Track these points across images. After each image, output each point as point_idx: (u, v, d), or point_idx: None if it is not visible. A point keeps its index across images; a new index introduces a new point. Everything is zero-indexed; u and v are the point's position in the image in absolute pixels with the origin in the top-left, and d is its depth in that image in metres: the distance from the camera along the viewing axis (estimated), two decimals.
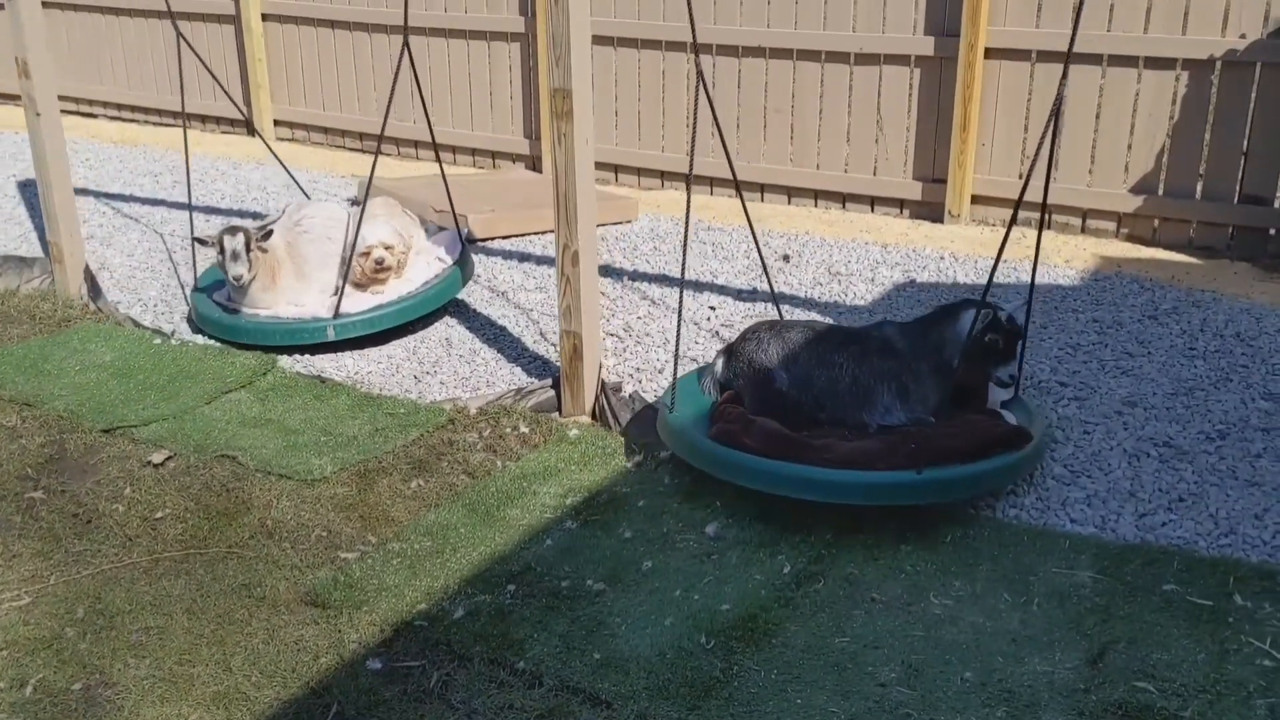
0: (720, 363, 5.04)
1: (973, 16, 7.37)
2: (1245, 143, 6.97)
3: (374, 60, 9.92)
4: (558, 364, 5.64)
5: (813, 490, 4.38)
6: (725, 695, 3.63)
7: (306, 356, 6.17)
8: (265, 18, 10.41)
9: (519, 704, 3.62)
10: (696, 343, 6.05)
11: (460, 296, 6.73)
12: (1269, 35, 6.76)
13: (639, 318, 6.40)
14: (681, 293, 5.14)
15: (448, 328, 6.45)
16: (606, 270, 7.01)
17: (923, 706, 3.56)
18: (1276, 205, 6.95)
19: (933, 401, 4.74)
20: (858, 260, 7.12)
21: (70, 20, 11.63)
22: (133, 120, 11.47)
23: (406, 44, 6.13)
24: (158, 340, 6.39)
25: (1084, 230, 7.51)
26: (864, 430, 4.71)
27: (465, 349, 6.20)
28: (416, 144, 9.91)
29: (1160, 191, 7.24)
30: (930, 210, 7.91)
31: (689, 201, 5.02)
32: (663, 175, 8.85)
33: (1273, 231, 6.98)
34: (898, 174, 8.02)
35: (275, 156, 7.43)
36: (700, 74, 5.01)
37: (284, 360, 6.12)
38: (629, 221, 7.99)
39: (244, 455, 5.15)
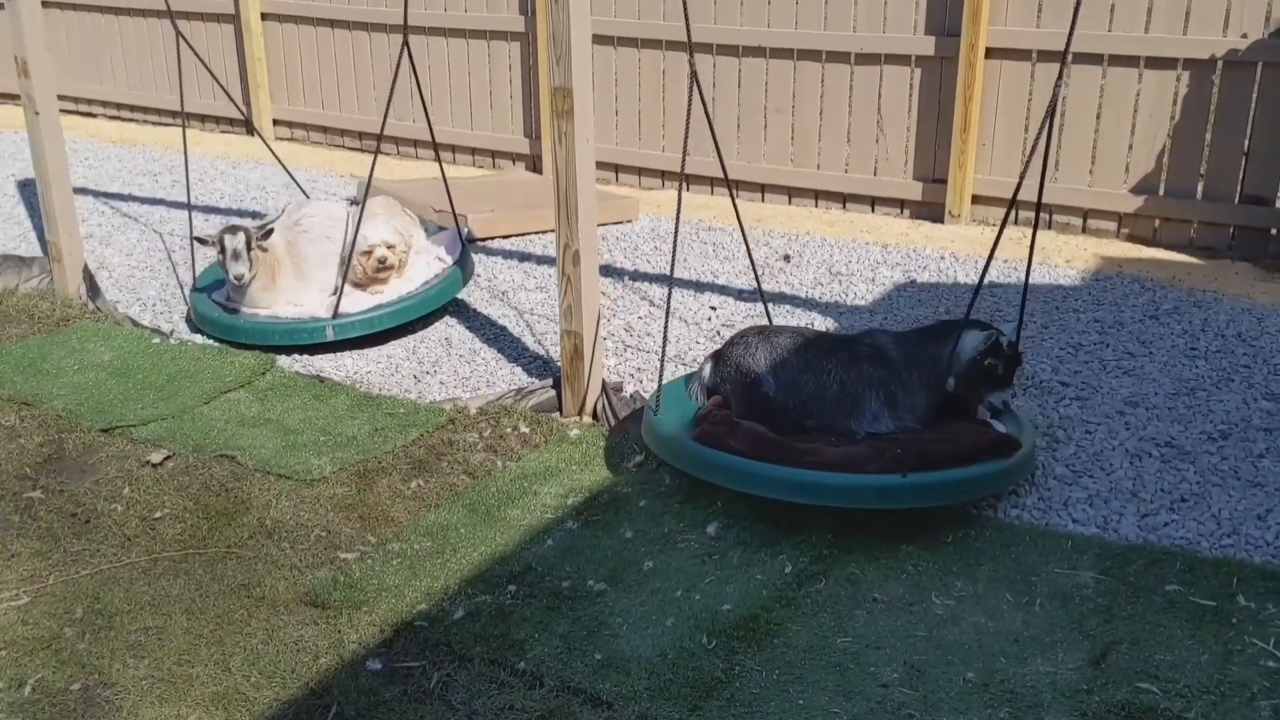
0: (708, 368, 4.97)
1: (973, 16, 7.36)
2: (1246, 143, 6.96)
3: (373, 60, 9.90)
4: (558, 364, 5.62)
5: (796, 492, 4.32)
6: (727, 696, 3.62)
7: (305, 356, 6.16)
8: (265, 17, 10.39)
9: (520, 705, 3.61)
10: (697, 343, 6.04)
11: (460, 296, 6.71)
12: (1270, 35, 6.75)
13: (640, 318, 6.38)
14: (670, 292, 5.08)
15: (447, 327, 6.44)
16: (607, 270, 7.00)
17: (925, 707, 3.54)
18: (1277, 205, 6.93)
19: (921, 411, 4.68)
20: (858, 260, 7.10)
21: (70, 19, 11.61)
22: (132, 120, 11.45)
23: (406, 44, 6.12)
24: (156, 340, 6.38)
25: (1085, 230, 7.50)
26: (851, 438, 4.64)
27: (465, 349, 6.18)
28: (416, 143, 9.89)
29: (1161, 192, 7.23)
30: (931, 210, 7.89)
31: (680, 200, 4.99)
32: (663, 175, 8.84)
33: (1274, 231, 6.97)
34: (898, 174, 8.01)
35: (275, 155, 7.42)
36: (694, 73, 4.98)
37: (283, 360, 6.11)
38: (629, 221, 7.97)
39: (243, 455, 5.14)
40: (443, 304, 6.48)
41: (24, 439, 5.34)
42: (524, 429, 5.33)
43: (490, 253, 7.44)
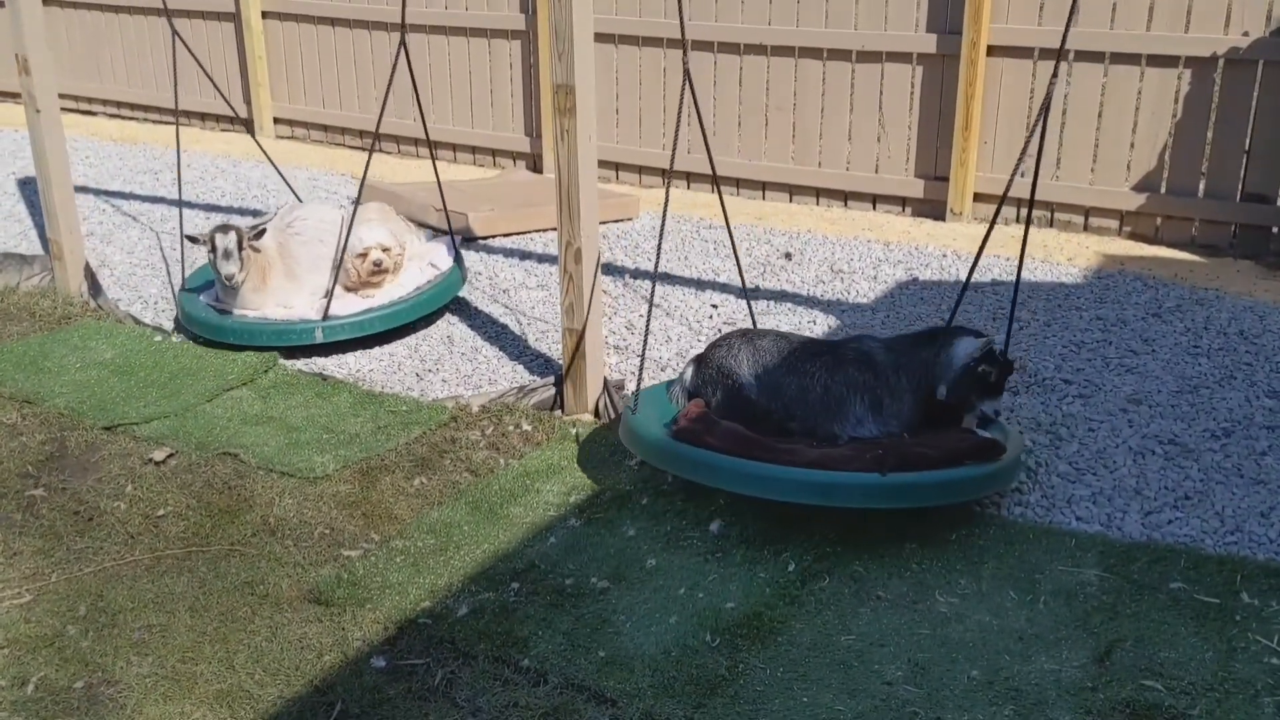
0: (689, 371, 4.89)
1: (975, 14, 7.36)
2: (1248, 141, 6.95)
3: (374, 57, 9.89)
4: (560, 362, 5.62)
5: (773, 489, 4.24)
6: (731, 693, 3.62)
7: (308, 354, 6.15)
8: (265, 15, 10.38)
9: (523, 702, 3.61)
10: (698, 341, 6.03)
11: (462, 294, 6.71)
12: (1271, 33, 6.74)
13: (641, 315, 6.38)
14: (653, 290, 5.05)
15: (449, 325, 6.43)
16: (608, 268, 6.99)
17: (929, 705, 3.54)
18: (1279, 203, 6.93)
19: (907, 417, 4.62)
20: (860, 258, 7.10)
21: (70, 18, 11.60)
22: (132, 118, 11.43)
23: (404, 43, 6.10)
24: (158, 337, 6.38)
25: (1086, 228, 7.49)
26: (834, 442, 4.58)
27: (467, 346, 6.18)
28: (417, 142, 9.88)
29: (1163, 190, 7.23)
30: (933, 208, 7.89)
31: (667, 197, 5.01)
32: (664, 173, 8.83)
33: (1275, 230, 6.96)
34: (900, 172, 8.00)
35: (267, 157, 7.37)
36: (687, 72, 4.96)
37: (285, 358, 6.10)
38: (630, 219, 7.97)
39: (246, 453, 5.14)
40: (433, 310, 6.42)
41: (26, 437, 5.34)
42: (526, 427, 5.33)
43: (491, 251, 7.44)
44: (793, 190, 8.41)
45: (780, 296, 6.57)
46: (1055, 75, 4.28)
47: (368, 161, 6.37)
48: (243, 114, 10.76)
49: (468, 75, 9.47)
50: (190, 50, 6.86)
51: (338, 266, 6.28)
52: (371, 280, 6.33)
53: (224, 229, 6.06)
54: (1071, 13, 4.33)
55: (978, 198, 7.71)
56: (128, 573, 4.32)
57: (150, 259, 7.46)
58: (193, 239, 6.26)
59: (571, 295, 5.29)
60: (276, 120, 10.67)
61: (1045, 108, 4.24)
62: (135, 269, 7.33)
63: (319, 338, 6.07)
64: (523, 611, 4.03)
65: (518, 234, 7.74)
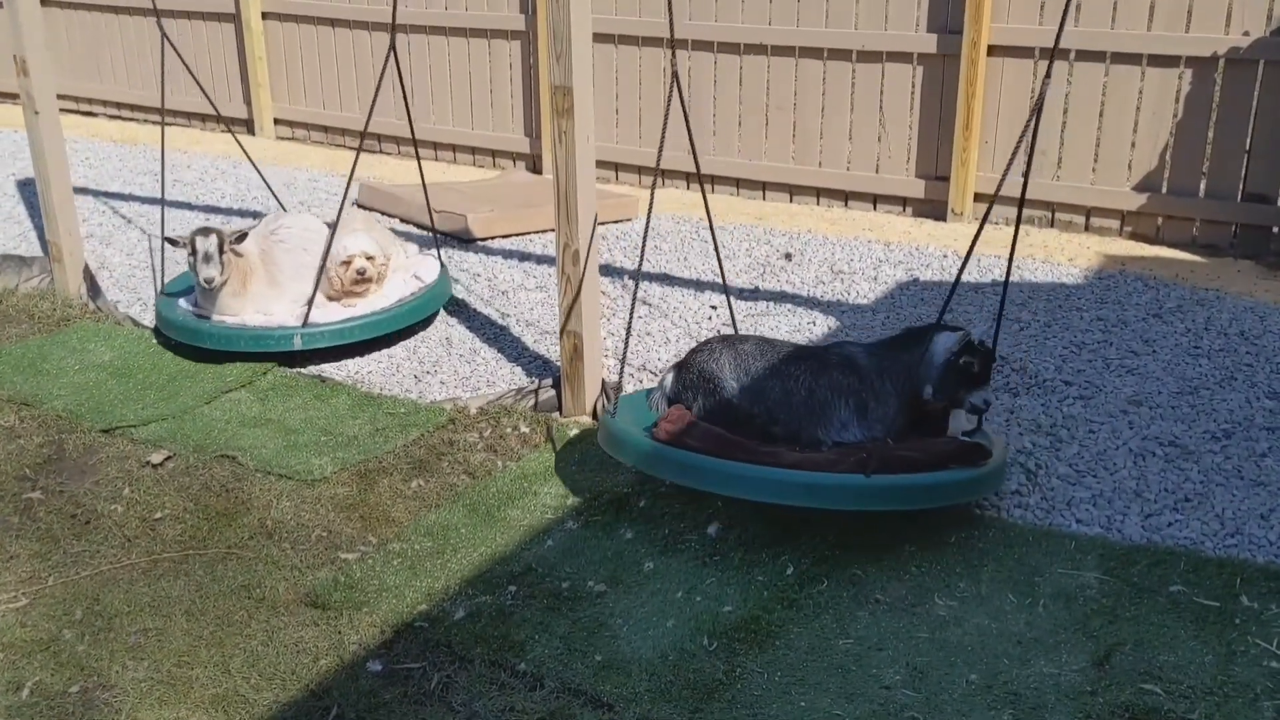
0: (670, 377, 4.78)
1: (975, 14, 7.34)
2: (1248, 140, 6.93)
3: (374, 58, 9.87)
4: (558, 363, 5.60)
5: (754, 489, 4.18)
6: (728, 698, 3.60)
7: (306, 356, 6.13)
8: (265, 16, 10.37)
9: (520, 706, 3.59)
10: (696, 342, 6.00)
11: (460, 296, 6.70)
12: (1272, 33, 6.72)
13: (639, 317, 6.36)
14: (635, 294, 5.03)
15: (448, 327, 6.42)
16: (607, 269, 6.98)
17: (927, 709, 3.53)
18: (1279, 203, 6.93)
19: (892, 421, 4.56)
20: (860, 259, 7.08)
21: (70, 19, 11.60)
22: (133, 119, 11.42)
23: (393, 46, 6.02)
24: (157, 339, 6.36)
25: (1088, 228, 7.48)
26: (817, 447, 4.51)
27: (465, 348, 6.16)
28: (417, 143, 9.85)
29: (1164, 190, 7.21)
30: (933, 208, 7.87)
31: (652, 198, 4.97)
32: (664, 174, 8.81)
33: (1276, 230, 6.94)
34: (900, 172, 7.99)
35: (249, 158, 7.23)
36: (675, 74, 4.93)
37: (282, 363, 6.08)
38: (629, 220, 7.95)
39: (244, 455, 5.13)
40: (417, 320, 6.30)
41: (24, 439, 5.33)
42: (524, 429, 5.31)
43: (490, 252, 7.43)
44: (793, 190, 8.39)
45: (780, 297, 6.55)
46: (1049, 75, 4.24)
47: (355, 161, 6.25)
48: (243, 115, 10.75)
49: (468, 76, 9.46)
50: (177, 50, 6.78)
51: (319, 272, 6.14)
52: (355, 289, 6.21)
53: (204, 232, 5.94)
54: (1065, 14, 4.28)
55: (979, 198, 7.70)
56: (124, 576, 4.31)
57: (150, 260, 7.44)
58: (172, 241, 6.12)
59: (569, 297, 5.28)
60: (277, 121, 10.66)
61: (1038, 108, 4.21)
62: (134, 271, 7.32)
63: (298, 344, 5.93)
64: (519, 615, 4.02)
65: (517, 235, 7.73)
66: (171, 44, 6.73)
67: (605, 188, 8.55)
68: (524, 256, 7.36)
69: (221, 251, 5.93)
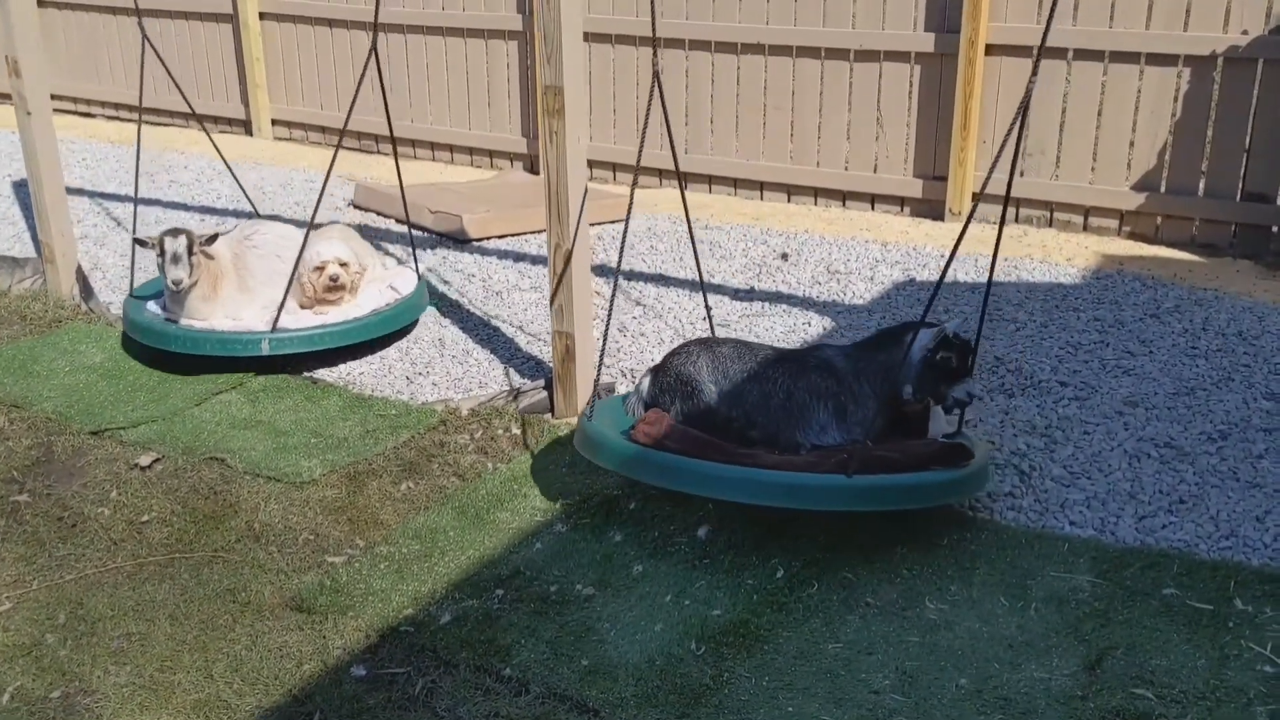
0: (646, 381, 4.74)
1: (973, 13, 7.30)
2: (1248, 140, 6.89)
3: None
4: (551, 365, 5.57)
5: (733, 490, 4.11)
6: (715, 703, 3.56)
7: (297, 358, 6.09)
8: (263, 16, 10.35)
9: (505, 712, 3.56)
10: None
11: (455, 297, 6.67)
12: (1270, 31, 6.68)
13: (634, 318, 6.33)
14: (615, 289, 4.98)
15: (441, 328, 6.38)
16: (602, 270, 6.94)
17: (917, 714, 3.49)
18: (1279, 202, 6.86)
19: (870, 423, 4.49)
20: (857, 259, 7.04)
21: (67, 19, 11.58)
22: (130, 120, 11.39)
23: (374, 48, 5.93)
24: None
25: (1086, 228, 7.43)
26: (796, 450, 4.46)
27: (458, 349, 6.13)
28: (415, 143, 9.85)
29: (1162, 189, 7.16)
30: (931, 208, 7.83)
31: (631, 197, 4.94)
32: (660, 174, 8.78)
33: (1275, 229, 6.89)
34: (898, 171, 7.95)
35: (222, 159, 7.09)
36: (657, 74, 4.89)
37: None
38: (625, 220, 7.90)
39: (233, 457, 5.09)
40: (391, 330, 6.16)
41: (13, 441, 5.30)
42: (515, 430, 5.28)
43: (485, 253, 7.39)
44: (791, 190, 8.35)
45: (775, 298, 6.51)
46: (1035, 75, 4.18)
47: (333, 159, 6.06)
48: (240, 116, 10.73)
49: (465, 76, 9.42)
50: (155, 49, 6.65)
51: (290, 278, 5.95)
52: (328, 297, 6.09)
53: (174, 232, 5.82)
54: (1051, 14, 4.23)
55: (976, 197, 7.64)
56: (109, 580, 4.28)
57: (143, 262, 7.40)
58: (141, 242, 5.99)
59: (561, 298, 5.24)
60: (275, 122, 10.64)
61: (1023, 107, 4.17)
62: (128, 272, 7.27)
63: (265, 350, 5.80)
64: (506, 619, 3.98)
65: (513, 236, 7.70)
66: (150, 43, 6.62)
67: (603, 188, 8.51)
68: (519, 257, 7.33)
69: (191, 253, 5.80)
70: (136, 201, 6.81)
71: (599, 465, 4.48)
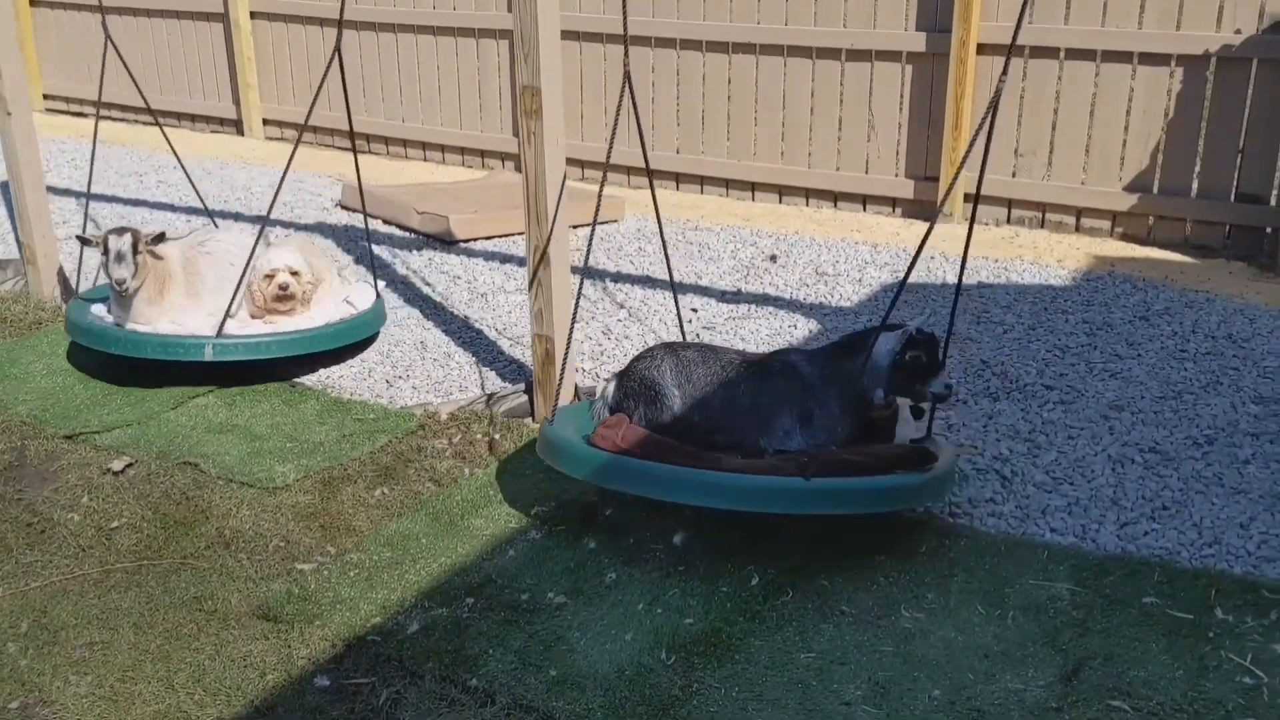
0: (611, 387, 4.67)
1: (964, 12, 7.23)
2: (1241, 140, 6.82)
3: (362, 59, 9.79)
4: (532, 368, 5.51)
5: (693, 493, 4.05)
6: (683, 714, 3.50)
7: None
8: (254, 15, 10.30)
9: None
10: None
11: (438, 299, 6.60)
12: (1264, 31, 6.60)
13: (619, 320, 6.26)
14: (578, 298, 4.88)
15: (423, 330, 6.32)
16: (589, 271, 6.87)
17: None
18: (1273, 204, 6.79)
19: (835, 429, 4.42)
20: (846, 260, 6.97)
21: (60, 19, 11.54)
22: (122, 120, 11.34)
23: (338, 48, 5.83)
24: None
25: (1078, 229, 7.36)
26: (760, 455, 4.37)
27: (440, 352, 6.06)
28: (406, 143, 9.80)
29: (1155, 190, 7.09)
30: (923, 209, 7.76)
31: (599, 197, 4.91)
32: (651, 175, 8.68)
33: (1269, 230, 6.82)
34: (890, 172, 7.88)
35: (176, 157, 6.90)
36: (627, 74, 4.82)
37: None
38: (615, 221, 7.86)
39: (206, 462, 5.03)
40: (342, 344, 5.99)
41: None
42: (494, 435, 5.21)
43: (472, 254, 7.33)
44: (782, 191, 8.29)
45: (762, 300, 6.44)
46: (1005, 73, 4.10)
47: (293, 151, 5.87)
48: (232, 115, 10.69)
49: (456, 75, 9.37)
50: (115, 46, 6.50)
51: (239, 282, 5.79)
52: (278, 306, 5.93)
53: (119, 231, 5.66)
54: (1021, 14, 4.16)
55: (968, 198, 7.58)
56: (75, 588, 4.21)
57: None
58: (85, 240, 5.83)
59: (540, 301, 5.18)
60: (265, 122, 10.58)
61: (993, 105, 4.10)
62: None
63: (209, 355, 5.63)
64: (475, 628, 3.92)
65: (500, 237, 7.63)
66: (111, 40, 6.49)
67: (591, 188, 8.43)
68: (505, 259, 7.26)
69: (136, 252, 5.64)
70: (89, 197, 6.67)
71: (560, 471, 4.42)
